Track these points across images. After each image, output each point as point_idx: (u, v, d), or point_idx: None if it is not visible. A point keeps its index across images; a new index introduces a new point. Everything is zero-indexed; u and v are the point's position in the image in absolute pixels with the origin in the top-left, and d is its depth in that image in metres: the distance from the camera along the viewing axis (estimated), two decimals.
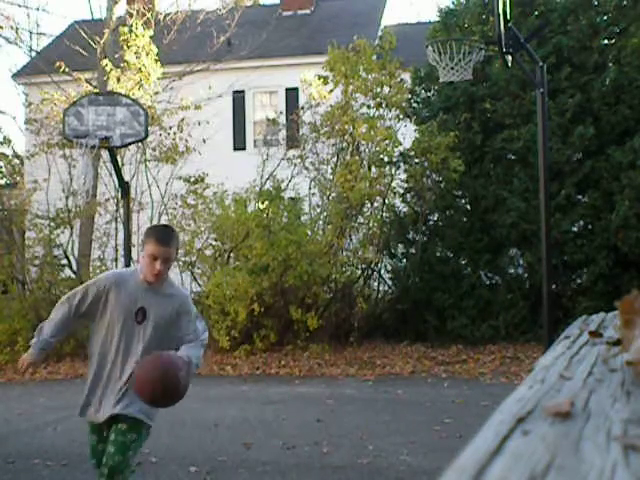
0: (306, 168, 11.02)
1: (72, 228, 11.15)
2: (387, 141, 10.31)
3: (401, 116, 10.88)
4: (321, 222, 10.70)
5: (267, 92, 17.11)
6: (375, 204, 10.81)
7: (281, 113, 13.90)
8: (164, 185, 11.46)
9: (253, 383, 8.32)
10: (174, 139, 11.37)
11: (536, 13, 10.75)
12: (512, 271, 10.65)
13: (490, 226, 10.34)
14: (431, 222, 11.05)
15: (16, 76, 17.60)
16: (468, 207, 10.93)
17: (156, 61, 11.47)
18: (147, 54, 11.37)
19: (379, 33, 14.40)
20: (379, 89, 10.74)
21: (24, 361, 3.22)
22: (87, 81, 13.42)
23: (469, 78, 8.73)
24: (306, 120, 11.26)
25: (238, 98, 16.69)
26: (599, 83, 10.15)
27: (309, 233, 10.38)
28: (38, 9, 26.73)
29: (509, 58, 7.60)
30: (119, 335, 3.22)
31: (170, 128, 11.37)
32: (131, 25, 11.72)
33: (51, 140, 11.61)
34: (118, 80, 11.38)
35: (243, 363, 9.46)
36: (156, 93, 11.79)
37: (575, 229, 10.24)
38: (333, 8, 19.42)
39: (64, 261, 10.99)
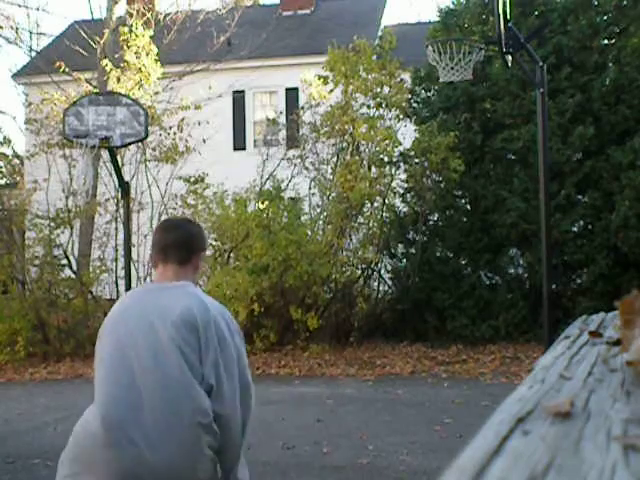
0: (306, 168, 11.02)
1: (72, 228, 11.15)
2: (387, 141, 10.31)
3: (401, 116, 10.88)
4: (321, 222, 10.70)
5: (267, 92, 17.11)
6: (375, 204, 10.80)
7: (281, 113, 13.90)
8: (164, 185, 11.45)
9: (253, 383, 8.31)
10: (174, 139, 11.37)
11: (536, 13, 10.74)
12: (512, 271, 10.65)
13: (490, 226, 10.34)
14: (431, 222, 11.05)
15: (16, 76, 17.61)
16: (468, 207, 10.93)
17: (156, 61, 11.46)
18: (147, 54, 11.36)
19: (379, 33, 14.40)
20: (379, 89, 10.73)
21: None
22: (87, 81, 13.42)
23: (469, 78, 8.73)
24: (306, 120, 11.26)
25: (238, 98, 16.70)
26: (599, 83, 10.15)
27: (309, 233, 10.38)
28: (38, 9, 26.79)
29: (509, 58, 7.60)
30: None
31: (170, 128, 11.37)
32: (131, 25, 11.71)
33: (51, 140, 11.61)
34: (118, 80, 11.37)
35: None
36: (156, 93, 11.78)
37: (575, 229, 10.23)
38: (333, 8, 19.42)
39: (64, 261, 10.99)
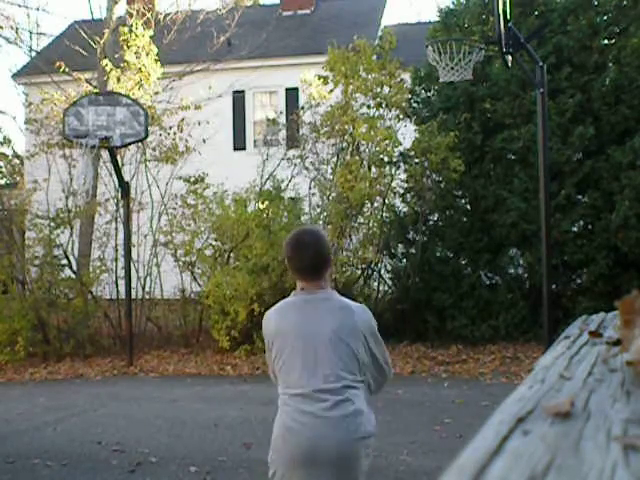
0: (306, 168, 11.02)
1: (72, 228, 11.14)
2: (387, 141, 10.31)
3: (401, 116, 10.87)
4: (321, 222, 10.69)
5: (267, 92, 17.11)
6: (375, 204, 10.80)
7: (281, 113, 13.90)
8: (164, 185, 11.45)
9: (253, 383, 8.32)
10: (174, 139, 11.36)
11: (536, 13, 10.74)
12: (512, 271, 10.64)
13: (490, 226, 10.34)
14: (431, 222, 11.04)
15: (16, 76, 17.61)
16: (468, 207, 10.93)
17: (156, 61, 11.46)
18: (147, 54, 11.36)
19: (379, 33, 14.39)
20: (379, 89, 10.73)
21: None
22: (87, 81, 13.43)
23: (469, 78, 8.73)
24: (306, 120, 11.26)
25: (238, 98, 16.70)
26: (599, 83, 10.15)
27: None
28: (38, 9, 26.77)
29: (509, 58, 7.61)
30: None
31: (170, 128, 11.37)
32: (131, 25, 11.71)
33: (51, 140, 11.61)
34: (118, 80, 11.37)
35: (243, 363, 9.47)
36: (156, 93, 11.78)
37: (575, 229, 10.23)
38: (333, 8, 19.42)
39: (64, 261, 10.98)
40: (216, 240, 10.81)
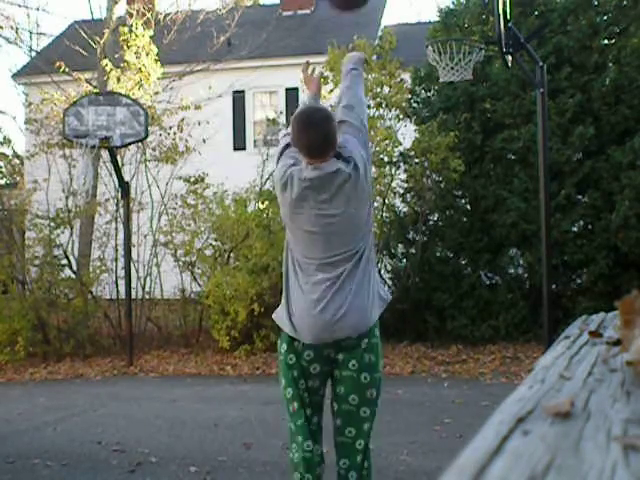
0: None
1: (72, 228, 11.14)
2: (387, 141, 10.30)
3: (401, 116, 10.87)
4: None
5: (267, 92, 17.11)
6: (375, 204, 10.80)
7: (281, 113, 13.89)
8: (164, 185, 11.45)
9: (253, 383, 8.32)
10: (174, 139, 11.36)
11: (536, 13, 10.74)
12: (512, 271, 10.64)
13: (490, 226, 10.34)
14: (431, 222, 11.04)
15: (16, 76, 17.60)
16: (468, 207, 10.92)
17: (156, 61, 11.46)
18: (147, 54, 11.36)
19: (379, 33, 14.40)
20: (379, 89, 10.73)
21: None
22: (87, 81, 13.43)
23: (469, 78, 8.73)
24: None
25: (238, 98, 16.70)
26: (599, 83, 10.15)
27: None
28: (38, 9, 26.75)
29: (509, 58, 7.61)
30: None
31: (170, 128, 11.36)
32: (131, 25, 11.71)
33: (51, 140, 11.60)
34: (118, 80, 11.37)
35: (243, 363, 9.47)
36: (156, 93, 11.78)
37: (575, 229, 10.22)
38: None
39: (64, 261, 10.98)
40: (216, 240, 10.81)
